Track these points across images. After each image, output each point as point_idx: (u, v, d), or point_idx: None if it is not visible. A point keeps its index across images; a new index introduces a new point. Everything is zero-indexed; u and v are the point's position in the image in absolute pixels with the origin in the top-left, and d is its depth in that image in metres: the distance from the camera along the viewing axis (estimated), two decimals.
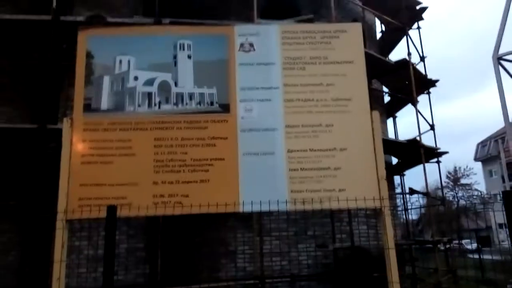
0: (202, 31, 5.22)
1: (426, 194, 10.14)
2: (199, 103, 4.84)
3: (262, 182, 4.63)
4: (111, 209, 3.02)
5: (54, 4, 8.06)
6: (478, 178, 39.36)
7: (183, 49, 4.96)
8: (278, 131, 4.79)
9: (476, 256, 16.37)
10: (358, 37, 5.09)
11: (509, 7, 9.80)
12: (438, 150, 10.83)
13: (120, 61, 4.86)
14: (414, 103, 10.25)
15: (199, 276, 8.00)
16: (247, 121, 4.80)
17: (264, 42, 5.03)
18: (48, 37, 8.04)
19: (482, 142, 39.92)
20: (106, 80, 4.81)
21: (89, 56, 4.85)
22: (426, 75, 11.30)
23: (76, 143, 4.58)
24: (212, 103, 4.85)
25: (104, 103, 4.77)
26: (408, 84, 10.27)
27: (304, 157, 4.72)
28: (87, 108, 4.73)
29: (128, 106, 4.79)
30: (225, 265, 8.40)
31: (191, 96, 4.85)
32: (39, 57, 8.46)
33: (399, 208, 12.81)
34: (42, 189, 7.36)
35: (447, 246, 11.98)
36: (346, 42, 5.04)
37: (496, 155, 37.82)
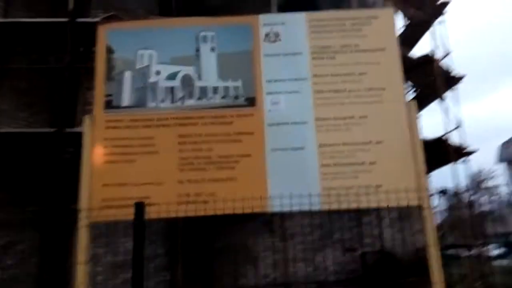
0: (225, 22, 4.98)
1: (456, 195, 9.70)
2: (224, 97, 4.60)
3: (292, 179, 4.34)
4: (139, 206, 2.77)
5: (71, 6, 7.99)
6: (502, 181, 38.00)
7: (206, 41, 4.73)
8: (308, 124, 4.50)
9: (503, 262, 15.77)
10: (390, 23, 4.78)
11: None
12: (466, 150, 10.40)
13: (142, 56, 4.65)
14: (442, 99, 9.85)
15: (221, 283, 7.73)
16: (275, 114, 4.52)
17: (291, 31, 4.76)
18: (65, 40, 7.96)
19: (506, 142, 38.73)
20: (128, 75, 4.61)
21: (109, 51, 4.65)
22: (450, 71, 10.91)
23: (97, 141, 4.37)
24: (237, 97, 4.60)
25: (125, 100, 4.56)
26: (433, 80, 9.90)
27: (337, 152, 4.41)
28: (108, 105, 4.52)
29: (150, 102, 4.56)
30: (248, 271, 8.12)
31: (215, 90, 4.61)
32: (56, 60, 8.39)
33: None
34: (60, 194, 7.21)
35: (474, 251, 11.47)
36: (378, 28, 4.74)
37: None
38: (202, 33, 4.75)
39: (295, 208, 4.22)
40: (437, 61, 10.18)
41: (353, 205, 4.19)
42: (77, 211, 4.23)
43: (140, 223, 2.74)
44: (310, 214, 8.14)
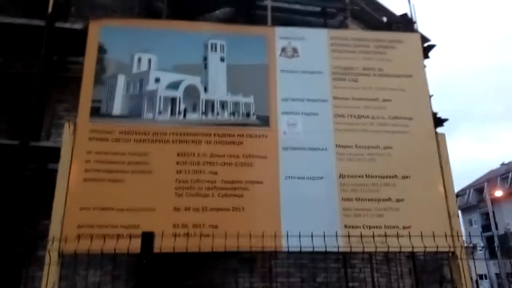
0: (237, 30, 4.45)
1: None
2: (233, 113, 3.99)
3: (309, 213, 3.72)
4: (147, 237, 2.06)
5: (50, 8, 7.23)
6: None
7: (215, 50, 4.16)
8: (328, 151, 3.95)
9: None
10: (416, 49, 4.43)
11: None
12: None
13: (139, 59, 4.00)
14: None
15: None
16: (291, 137, 3.95)
17: (310, 47, 4.29)
18: (37, 45, 7.13)
19: (460, 190, 40.18)
20: (121, 80, 3.91)
21: (101, 50, 3.96)
22: (436, 113, 10.88)
23: (78, 154, 3.59)
24: (248, 114, 4.00)
25: (117, 108, 3.84)
26: None
27: (359, 185, 3.87)
28: (95, 112, 3.78)
29: (146, 113, 3.87)
30: None
31: (223, 105, 4.00)
32: (24, 67, 7.50)
33: None
34: (17, 217, 6.18)
35: None
36: (404, 53, 4.37)
37: (475, 205, 38.09)
38: (211, 41, 4.18)
39: (309, 249, 3.58)
40: None
41: (381, 249, 3.60)
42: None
43: (147, 259, 2.02)
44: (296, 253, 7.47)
